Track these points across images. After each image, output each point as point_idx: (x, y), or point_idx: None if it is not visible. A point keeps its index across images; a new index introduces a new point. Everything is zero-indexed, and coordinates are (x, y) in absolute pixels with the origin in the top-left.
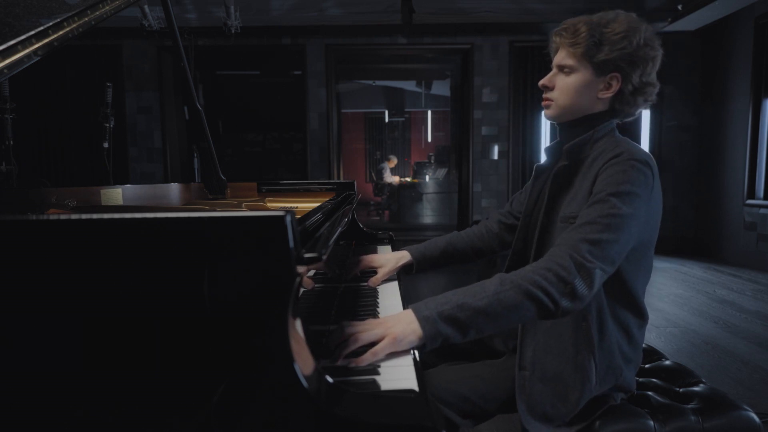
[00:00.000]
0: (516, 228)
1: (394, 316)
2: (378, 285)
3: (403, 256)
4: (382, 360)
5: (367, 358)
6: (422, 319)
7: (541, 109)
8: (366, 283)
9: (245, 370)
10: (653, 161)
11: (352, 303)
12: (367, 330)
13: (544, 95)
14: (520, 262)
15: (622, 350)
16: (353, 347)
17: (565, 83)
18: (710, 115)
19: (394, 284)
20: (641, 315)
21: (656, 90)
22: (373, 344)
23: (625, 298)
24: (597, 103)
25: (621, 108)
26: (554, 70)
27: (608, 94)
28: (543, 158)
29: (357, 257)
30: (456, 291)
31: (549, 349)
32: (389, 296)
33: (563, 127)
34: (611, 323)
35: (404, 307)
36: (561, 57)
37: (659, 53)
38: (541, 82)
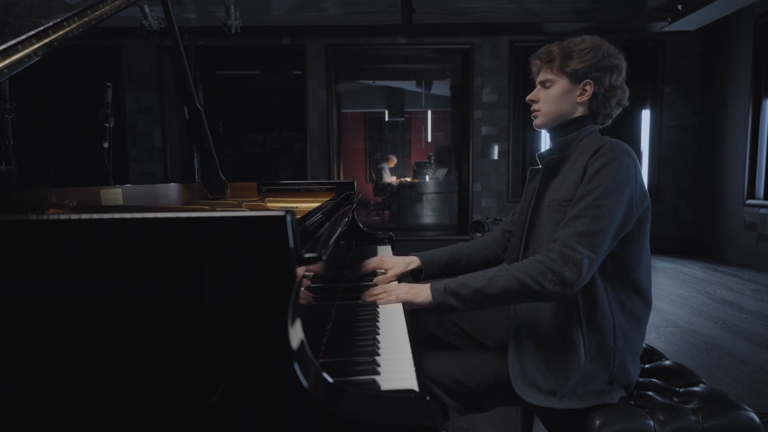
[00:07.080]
0: None
1: (416, 285)
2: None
3: (413, 261)
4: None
5: (385, 297)
6: (434, 291)
7: None
8: (369, 282)
9: (245, 370)
10: (633, 152)
11: (353, 304)
12: (397, 288)
13: (531, 108)
14: (516, 250)
15: (622, 331)
16: (382, 294)
17: (547, 94)
18: (710, 115)
19: None
20: (644, 298)
21: (627, 94)
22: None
23: (628, 279)
24: (577, 108)
25: (598, 110)
26: (537, 87)
27: (585, 98)
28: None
29: (365, 258)
30: (466, 275)
31: (539, 319)
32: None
33: (552, 132)
34: (608, 303)
35: (404, 310)
36: (541, 75)
37: (623, 63)
38: (528, 98)
